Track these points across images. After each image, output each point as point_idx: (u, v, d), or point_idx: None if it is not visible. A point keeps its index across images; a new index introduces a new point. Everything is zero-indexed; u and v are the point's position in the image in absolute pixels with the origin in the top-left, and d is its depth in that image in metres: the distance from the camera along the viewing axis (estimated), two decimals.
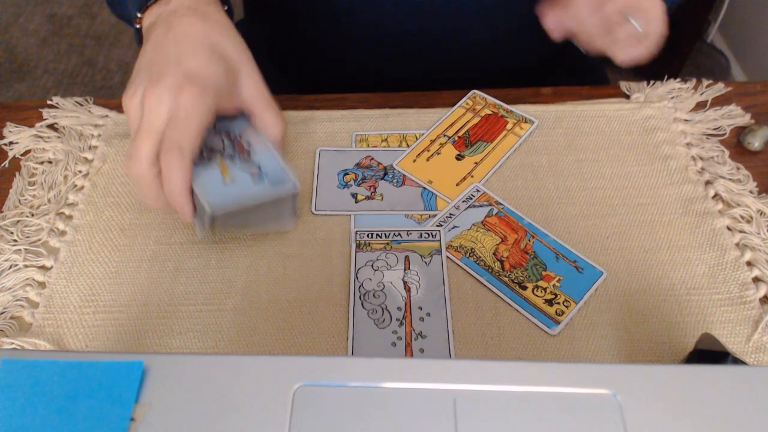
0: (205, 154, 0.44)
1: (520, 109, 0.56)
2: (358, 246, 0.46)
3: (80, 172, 0.51)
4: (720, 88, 0.57)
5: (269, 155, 0.45)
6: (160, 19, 0.46)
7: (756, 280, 0.44)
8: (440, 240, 0.46)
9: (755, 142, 0.52)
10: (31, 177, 0.52)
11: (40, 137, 0.54)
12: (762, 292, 0.43)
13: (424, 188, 0.50)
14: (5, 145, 0.54)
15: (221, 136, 0.45)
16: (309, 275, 0.45)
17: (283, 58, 0.73)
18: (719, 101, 0.56)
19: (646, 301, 0.43)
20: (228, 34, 0.46)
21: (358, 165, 0.52)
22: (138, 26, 0.48)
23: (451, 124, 0.55)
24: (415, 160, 0.52)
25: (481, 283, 0.44)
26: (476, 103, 0.56)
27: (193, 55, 0.43)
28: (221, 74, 0.43)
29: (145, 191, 0.42)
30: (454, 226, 0.47)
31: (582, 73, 0.73)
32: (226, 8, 0.49)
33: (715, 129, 0.54)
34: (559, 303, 0.43)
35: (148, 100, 0.41)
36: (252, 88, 0.45)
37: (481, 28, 0.64)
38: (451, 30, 0.63)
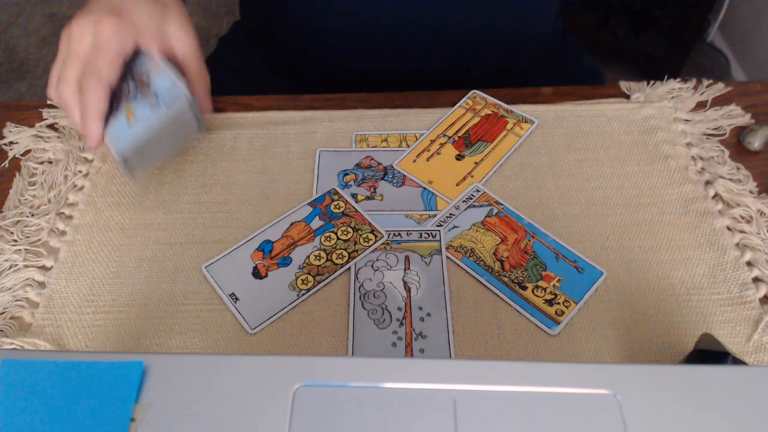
0: (114, 104, 0.46)
1: (520, 109, 0.56)
2: None
3: (80, 172, 0.51)
4: (720, 88, 0.57)
5: (164, 78, 0.47)
6: None
7: (756, 280, 0.44)
8: (440, 240, 0.46)
9: (755, 142, 0.52)
10: (31, 177, 0.52)
11: (40, 137, 0.54)
12: (762, 292, 0.43)
13: (424, 188, 0.50)
14: (5, 145, 0.54)
15: (126, 79, 0.48)
16: None
17: (282, 58, 0.73)
18: (719, 101, 0.56)
19: (646, 301, 0.43)
20: None
21: (358, 165, 0.52)
22: None
23: (451, 124, 0.55)
24: (415, 160, 0.52)
25: (481, 283, 0.44)
26: (476, 103, 0.56)
27: None
28: (145, 14, 0.47)
29: (70, 113, 0.45)
30: (454, 226, 0.47)
31: (579, 73, 0.73)
32: None
33: (715, 129, 0.54)
34: (559, 303, 0.43)
35: (74, 30, 0.45)
36: (178, 35, 0.48)
37: (479, 26, 0.64)
38: (452, 27, 0.63)
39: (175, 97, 0.45)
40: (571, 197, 0.49)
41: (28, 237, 0.47)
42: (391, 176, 0.51)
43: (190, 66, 0.49)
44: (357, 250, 0.45)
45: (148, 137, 0.45)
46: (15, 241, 0.47)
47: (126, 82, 0.48)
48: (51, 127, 0.55)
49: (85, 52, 0.45)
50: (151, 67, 0.48)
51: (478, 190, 0.50)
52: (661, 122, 0.54)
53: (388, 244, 0.46)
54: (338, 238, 0.46)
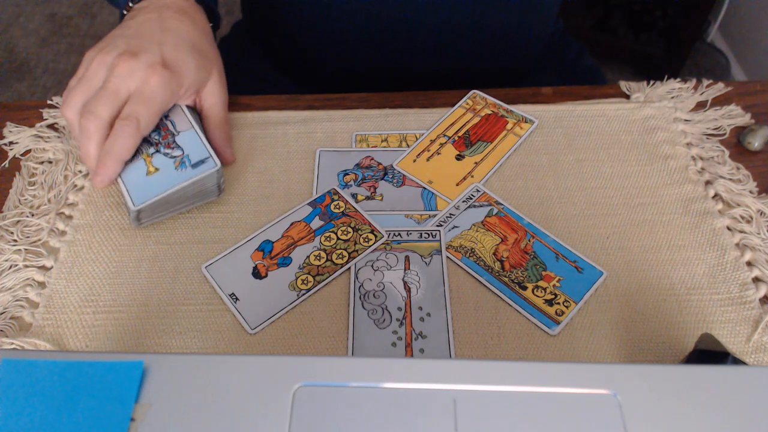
0: None
1: (520, 109, 0.56)
2: None
3: (80, 172, 0.51)
4: (720, 88, 0.57)
5: (191, 135, 0.47)
6: (152, 6, 0.49)
7: (756, 280, 0.44)
8: (440, 240, 0.46)
9: (755, 142, 0.52)
10: (31, 177, 0.52)
11: (40, 137, 0.54)
12: (762, 292, 0.43)
13: (424, 188, 0.50)
14: (5, 145, 0.54)
15: None
16: None
17: (283, 58, 0.73)
18: (719, 101, 0.56)
19: (646, 301, 0.43)
20: (209, 42, 0.51)
21: (358, 165, 0.52)
22: (126, 12, 0.51)
23: (451, 124, 0.55)
24: (415, 160, 0.52)
25: (481, 283, 0.44)
26: (476, 103, 0.56)
27: (174, 46, 0.46)
28: (193, 70, 0.47)
29: (86, 144, 0.44)
30: (454, 226, 0.47)
31: (579, 73, 0.74)
32: (212, 25, 0.54)
33: (715, 129, 0.54)
34: (559, 303, 0.43)
35: (120, 67, 0.44)
36: (212, 91, 0.50)
37: (480, 26, 0.64)
38: (452, 27, 0.63)
39: (202, 161, 0.46)
40: (571, 197, 0.49)
41: (28, 237, 0.47)
42: (391, 176, 0.51)
43: (215, 115, 0.50)
44: (357, 250, 0.45)
45: (166, 195, 0.45)
46: (15, 241, 0.47)
47: None
48: (51, 127, 0.55)
49: (127, 93, 0.44)
50: (177, 119, 0.48)
51: (478, 190, 0.50)
52: (661, 122, 0.54)
53: (388, 244, 0.46)
54: (338, 238, 0.46)
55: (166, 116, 0.48)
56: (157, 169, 0.45)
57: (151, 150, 0.46)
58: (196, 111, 0.51)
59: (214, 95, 0.50)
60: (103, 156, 0.44)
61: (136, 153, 0.46)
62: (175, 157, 0.46)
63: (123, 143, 0.43)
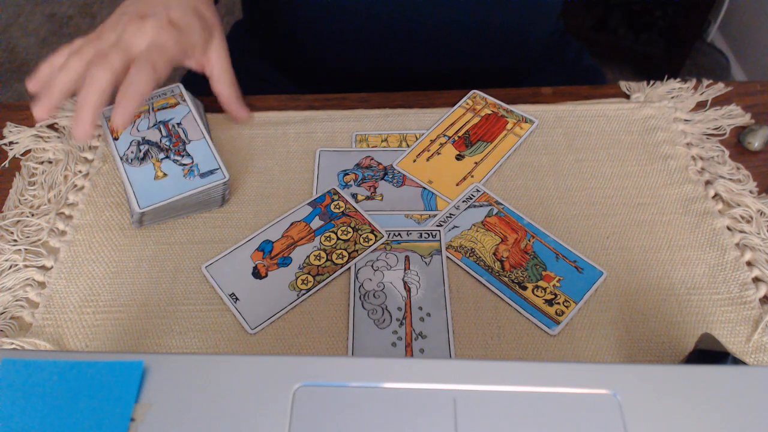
0: (141, 150, 0.48)
1: (520, 109, 0.56)
2: None
3: (80, 172, 0.51)
4: (720, 88, 0.57)
5: (203, 145, 0.48)
6: None
7: (756, 280, 0.44)
8: (440, 240, 0.46)
9: (755, 142, 0.52)
10: (31, 177, 0.52)
11: (40, 137, 0.54)
12: (762, 292, 0.43)
13: (424, 188, 0.50)
14: (5, 145, 0.54)
15: (160, 127, 0.49)
16: None
17: (283, 57, 0.73)
18: (719, 101, 0.56)
19: (646, 301, 0.43)
20: (211, 9, 0.53)
21: (358, 165, 0.52)
22: None
23: (451, 124, 0.55)
24: (415, 160, 0.52)
25: (481, 283, 0.44)
26: (476, 103, 0.56)
27: (177, 8, 0.49)
28: (198, 31, 0.49)
29: (91, 94, 0.43)
30: (454, 226, 0.47)
31: (579, 73, 0.74)
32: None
33: (715, 129, 0.54)
34: (559, 303, 0.43)
35: (129, 28, 0.45)
36: (219, 53, 0.52)
37: (480, 26, 0.64)
38: (453, 28, 0.63)
39: (211, 171, 0.46)
40: (571, 197, 0.49)
41: (28, 237, 0.47)
42: (391, 176, 0.51)
43: (226, 75, 0.52)
44: (357, 250, 0.45)
45: (172, 201, 0.45)
46: (15, 241, 0.47)
47: (158, 129, 0.49)
48: (51, 127, 0.55)
49: (138, 49, 0.45)
50: (189, 127, 0.49)
51: (478, 190, 0.50)
52: (661, 122, 0.54)
53: (388, 244, 0.46)
54: (338, 238, 0.46)
55: (178, 123, 0.49)
56: (165, 175, 0.46)
57: (161, 155, 0.47)
58: (207, 121, 0.52)
59: (220, 57, 0.52)
60: (119, 98, 0.43)
61: (146, 157, 0.47)
62: (184, 164, 0.46)
63: (141, 80, 0.43)
